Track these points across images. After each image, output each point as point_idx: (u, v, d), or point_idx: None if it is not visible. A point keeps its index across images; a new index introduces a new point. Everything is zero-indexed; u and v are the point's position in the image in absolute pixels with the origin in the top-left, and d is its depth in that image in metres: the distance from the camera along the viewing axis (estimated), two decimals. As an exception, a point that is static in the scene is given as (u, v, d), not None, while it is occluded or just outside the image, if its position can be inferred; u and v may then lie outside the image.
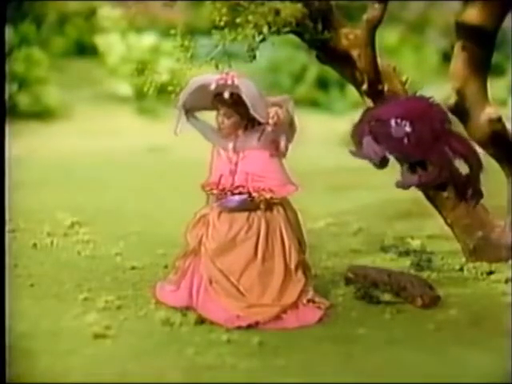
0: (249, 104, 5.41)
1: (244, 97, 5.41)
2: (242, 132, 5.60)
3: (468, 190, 6.20)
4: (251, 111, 5.42)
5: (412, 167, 6.16)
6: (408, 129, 5.81)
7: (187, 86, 5.57)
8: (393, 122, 5.82)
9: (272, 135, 5.53)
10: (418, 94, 6.26)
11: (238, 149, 5.59)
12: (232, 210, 5.55)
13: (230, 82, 5.43)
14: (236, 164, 5.59)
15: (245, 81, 5.45)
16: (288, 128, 5.59)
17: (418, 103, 6.02)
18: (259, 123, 5.53)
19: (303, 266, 5.67)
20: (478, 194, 6.26)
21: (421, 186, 6.26)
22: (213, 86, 5.45)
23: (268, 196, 5.52)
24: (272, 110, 5.48)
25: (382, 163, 6.03)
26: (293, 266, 5.59)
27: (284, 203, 5.64)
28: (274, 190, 5.54)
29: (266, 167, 5.56)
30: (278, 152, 5.61)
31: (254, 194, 5.52)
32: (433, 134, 5.88)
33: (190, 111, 5.67)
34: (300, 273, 5.62)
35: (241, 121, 5.56)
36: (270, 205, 5.56)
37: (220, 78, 5.45)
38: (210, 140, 5.70)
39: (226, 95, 5.43)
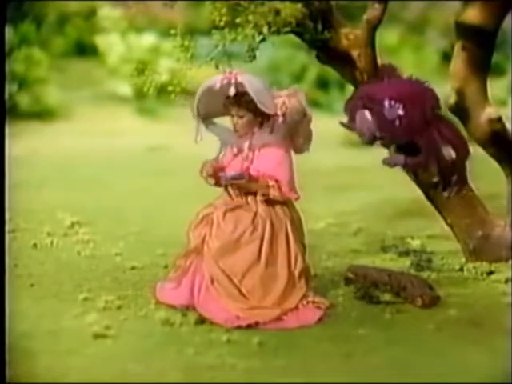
0: (255, 98, 5.43)
1: (249, 91, 5.43)
2: (257, 130, 5.61)
3: (453, 176, 6.29)
4: (258, 105, 5.44)
5: (399, 149, 6.21)
6: (401, 112, 5.88)
7: (196, 93, 5.60)
8: (386, 103, 5.89)
9: (284, 127, 5.55)
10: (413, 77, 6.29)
11: (254, 146, 5.59)
12: (228, 181, 5.53)
13: (233, 80, 5.46)
14: (251, 162, 5.59)
15: (247, 76, 5.48)
16: (302, 118, 5.60)
17: (413, 87, 6.08)
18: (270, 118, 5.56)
19: (306, 272, 5.67)
20: (462, 181, 6.34)
21: (406, 167, 6.29)
22: (217, 85, 5.48)
23: (271, 183, 5.50)
24: (279, 101, 5.52)
25: (371, 140, 6.07)
26: (297, 273, 5.58)
27: (289, 207, 5.64)
28: (280, 181, 5.51)
29: (278, 166, 5.54)
30: (295, 148, 5.64)
31: (260, 178, 5.50)
32: (424, 119, 5.95)
33: (206, 118, 5.68)
34: (303, 280, 5.62)
35: (254, 119, 5.56)
36: (271, 202, 5.56)
37: (224, 78, 5.49)
38: (229, 143, 5.69)
39: (231, 92, 5.46)
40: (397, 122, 5.89)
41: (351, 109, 6.08)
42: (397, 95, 5.91)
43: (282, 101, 5.55)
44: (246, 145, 5.61)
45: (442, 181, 6.37)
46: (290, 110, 5.56)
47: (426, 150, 6.05)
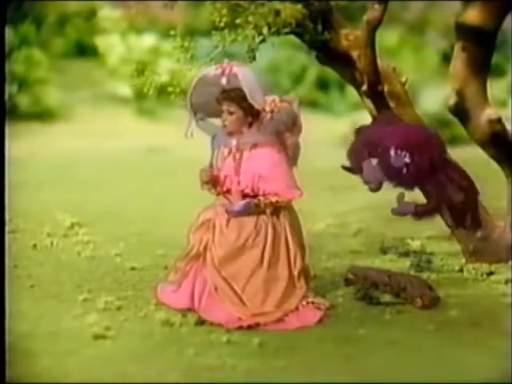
0: (246, 90, 5.40)
1: (242, 84, 5.40)
2: (246, 129, 5.58)
3: (466, 217, 6.21)
4: (248, 98, 5.41)
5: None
6: (407, 159, 5.81)
7: (191, 83, 5.57)
8: (392, 152, 5.81)
9: (271, 125, 5.49)
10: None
11: (242, 146, 5.55)
12: (236, 215, 5.52)
13: (227, 70, 5.45)
14: (239, 162, 5.56)
15: (243, 69, 5.47)
16: (291, 125, 5.56)
17: (418, 133, 6.01)
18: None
19: (305, 272, 5.67)
20: (476, 222, 6.27)
21: (416, 216, 6.24)
22: (211, 74, 5.48)
23: (274, 200, 5.49)
24: (270, 98, 5.49)
25: (378, 187, 6.04)
26: (296, 273, 5.57)
27: (288, 207, 5.63)
28: (279, 193, 5.49)
29: (273, 168, 5.50)
30: (285, 152, 5.58)
31: (260, 198, 5.50)
32: (431, 165, 5.89)
33: (198, 113, 5.64)
34: (302, 280, 5.61)
35: (244, 117, 5.52)
36: (276, 208, 5.54)
37: (218, 67, 5.49)
38: (218, 141, 5.64)
39: (223, 81, 5.44)
40: (404, 170, 5.83)
41: (356, 156, 6.00)
42: (403, 143, 5.81)
43: (273, 99, 5.50)
44: (233, 143, 5.57)
45: (455, 223, 6.34)
46: (278, 110, 5.49)
47: (435, 195, 6.00)
